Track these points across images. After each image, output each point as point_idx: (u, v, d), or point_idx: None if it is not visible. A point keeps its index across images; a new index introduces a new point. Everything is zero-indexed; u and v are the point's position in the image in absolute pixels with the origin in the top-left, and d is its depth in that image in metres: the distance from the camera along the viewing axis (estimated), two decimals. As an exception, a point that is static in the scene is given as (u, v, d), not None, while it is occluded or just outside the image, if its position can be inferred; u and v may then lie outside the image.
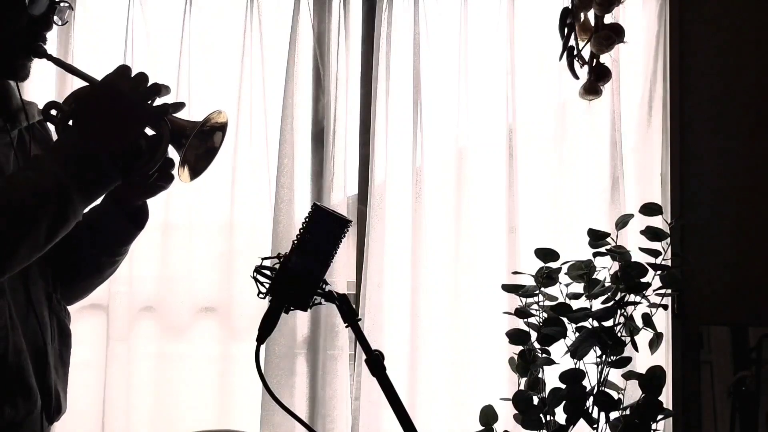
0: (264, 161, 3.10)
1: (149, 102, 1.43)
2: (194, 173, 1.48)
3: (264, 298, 1.44)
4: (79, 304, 3.03)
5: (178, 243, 3.07)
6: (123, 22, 3.09)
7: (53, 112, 1.46)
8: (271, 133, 3.10)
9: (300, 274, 1.43)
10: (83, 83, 1.49)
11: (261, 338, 1.44)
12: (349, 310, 1.45)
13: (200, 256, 3.09)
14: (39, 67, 1.51)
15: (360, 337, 1.44)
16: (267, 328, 1.44)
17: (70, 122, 1.44)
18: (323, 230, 1.43)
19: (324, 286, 1.45)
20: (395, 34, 3.13)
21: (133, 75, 1.43)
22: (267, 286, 1.44)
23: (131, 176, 1.45)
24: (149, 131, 1.45)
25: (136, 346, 3.05)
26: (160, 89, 1.44)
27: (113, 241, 1.60)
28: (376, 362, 1.41)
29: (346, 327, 1.44)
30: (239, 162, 3.09)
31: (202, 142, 1.47)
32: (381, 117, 3.10)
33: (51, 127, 1.53)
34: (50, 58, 1.47)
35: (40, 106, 1.50)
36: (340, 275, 3.05)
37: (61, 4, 1.48)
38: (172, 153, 1.48)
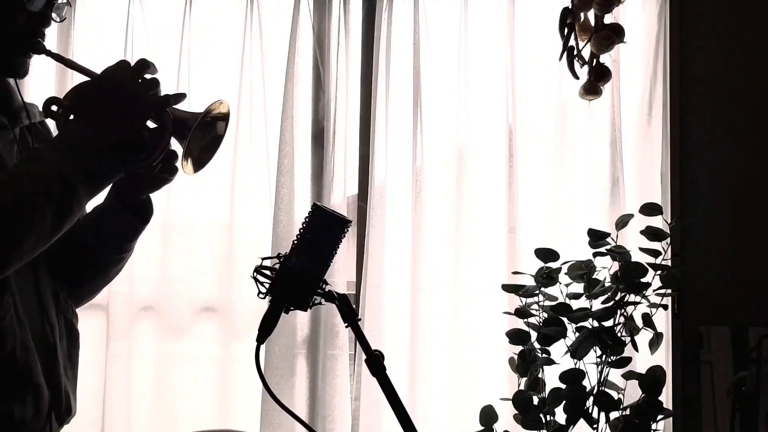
0: (264, 161, 3.09)
1: (151, 93, 1.43)
2: (198, 165, 1.47)
3: (264, 298, 1.44)
4: (78, 304, 3.04)
5: (178, 243, 3.07)
6: (123, 22, 3.09)
7: (54, 107, 1.46)
8: (271, 133, 3.10)
9: (300, 274, 1.43)
10: (83, 78, 1.49)
11: (261, 338, 1.44)
12: (349, 310, 1.45)
13: (200, 256, 3.09)
14: (39, 64, 1.51)
15: (360, 337, 1.44)
16: (267, 328, 1.44)
17: (71, 117, 1.43)
18: (323, 230, 1.43)
19: (324, 286, 1.45)
20: (395, 34, 3.13)
21: (133, 65, 1.43)
22: (267, 286, 1.44)
23: (135, 168, 1.45)
24: (151, 123, 1.45)
25: (136, 346, 3.05)
26: (159, 82, 1.44)
27: (119, 238, 1.59)
28: (376, 362, 1.41)
29: (346, 327, 1.44)
30: (239, 162, 3.09)
31: (206, 133, 1.47)
32: (381, 117, 3.10)
33: (51, 125, 1.52)
34: (49, 53, 1.47)
35: (41, 107, 1.50)
36: (340, 275, 3.05)
37: (59, 1, 1.47)
38: (175, 145, 1.47)
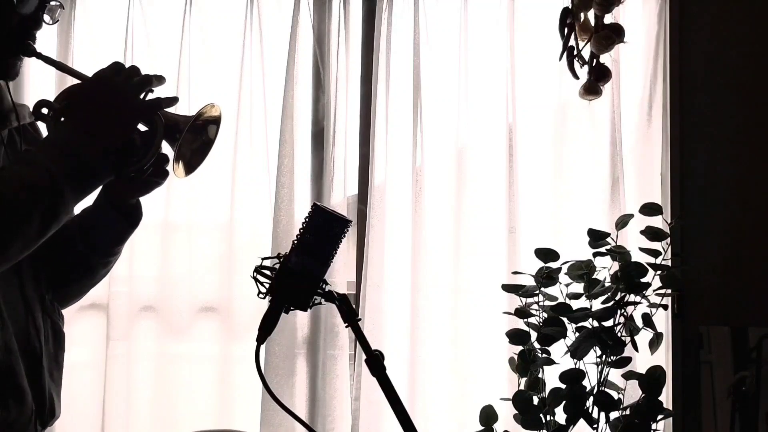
0: (264, 161, 3.09)
1: (142, 96, 1.42)
2: (189, 168, 1.47)
3: (264, 298, 1.44)
4: (78, 304, 3.03)
5: (178, 243, 3.07)
6: (123, 22, 3.09)
7: (44, 110, 1.44)
8: (271, 133, 3.10)
9: (300, 274, 1.43)
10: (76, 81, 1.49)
11: (261, 338, 1.44)
12: (349, 310, 1.45)
13: (200, 256, 3.09)
14: (38, 66, 1.51)
15: (360, 337, 1.44)
16: (267, 328, 1.44)
17: (62, 119, 1.42)
18: (323, 230, 1.43)
19: (324, 286, 1.45)
20: (395, 34, 3.12)
21: (126, 68, 1.43)
22: (267, 286, 1.44)
23: (125, 172, 1.44)
24: (142, 126, 1.44)
25: (136, 346, 3.04)
26: (152, 80, 1.43)
27: (107, 241, 1.58)
28: (376, 362, 1.41)
29: (346, 327, 1.44)
30: (239, 162, 3.09)
31: (197, 136, 1.46)
32: (381, 117, 3.10)
33: (43, 127, 1.51)
34: (40, 56, 1.46)
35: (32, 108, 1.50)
36: (340, 275, 3.05)
37: (52, 3, 1.47)
38: (167, 148, 1.47)
